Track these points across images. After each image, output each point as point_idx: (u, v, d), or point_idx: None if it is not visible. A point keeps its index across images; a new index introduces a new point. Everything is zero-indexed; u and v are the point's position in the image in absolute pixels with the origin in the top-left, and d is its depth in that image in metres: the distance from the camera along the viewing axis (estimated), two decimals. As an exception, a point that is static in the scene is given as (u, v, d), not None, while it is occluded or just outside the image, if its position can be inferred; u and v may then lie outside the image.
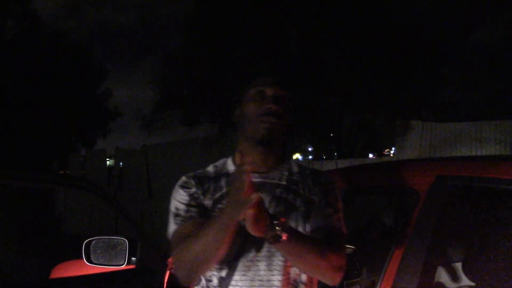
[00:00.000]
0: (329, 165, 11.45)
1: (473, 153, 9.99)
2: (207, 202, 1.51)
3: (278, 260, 1.43)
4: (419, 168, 2.04)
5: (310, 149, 26.42)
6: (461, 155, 9.74)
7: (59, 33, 19.81)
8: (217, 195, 1.52)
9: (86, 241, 2.08)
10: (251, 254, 1.42)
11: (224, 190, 1.51)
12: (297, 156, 22.89)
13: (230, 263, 1.43)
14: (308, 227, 1.49)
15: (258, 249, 1.43)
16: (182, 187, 1.56)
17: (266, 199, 1.43)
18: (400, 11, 14.31)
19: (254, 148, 1.51)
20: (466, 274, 2.20)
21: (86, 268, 2.21)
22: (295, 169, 1.60)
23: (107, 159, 13.73)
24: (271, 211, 1.36)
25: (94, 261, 2.08)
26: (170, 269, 2.38)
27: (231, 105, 1.59)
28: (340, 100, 15.05)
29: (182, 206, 1.52)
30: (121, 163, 12.16)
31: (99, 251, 2.08)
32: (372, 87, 13.62)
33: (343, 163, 11.01)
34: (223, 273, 1.45)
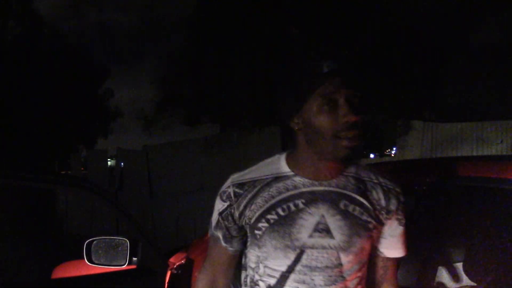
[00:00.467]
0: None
1: (475, 153, 9.98)
2: (247, 219, 1.32)
3: (336, 275, 1.27)
4: (421, 168, 2.04)
5: (311, 149, 26.38)
6: (462, 155, 9.73)
7: (61, 33, 19.83)
8: (265, 206, 1.30)
9: (87, 241, 2.09)
10: (306, 269, 1.26)
11: (275, 199, 1.29)
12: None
13: (282, 272, 1.28)
14: (371, 249, 1.35)
15: (316, 263, 1.26)
16: (220, 195, 1.38)
17: (328, 213, 1.26)
18: (401, 11, 14.30)
19: (325, 161, 1.28)
20: (467, 274, 2.20)
21: (87, 268, 2.21)
22: (362, 175, 1.35)
23: (108, 160, 13.73)
24: (335, 226, 1.25)
25: (95, 261, 2.08)
26: (171, 270, 2.38)
27: (283, 108, 1.33)
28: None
29: (215, 216, 1.39)
30: (122, 164, 12.16)
31: (100, 252, 2.08)
32: (373, 87, 13.62)
33: (344, 163, 10.98)
34: (272, 281, 1.30)
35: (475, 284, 2.16)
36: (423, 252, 1.76)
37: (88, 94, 19.61)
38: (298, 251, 1.25)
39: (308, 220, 1.25)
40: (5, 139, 15.84)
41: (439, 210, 1.79)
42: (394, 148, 14.08)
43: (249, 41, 12.94)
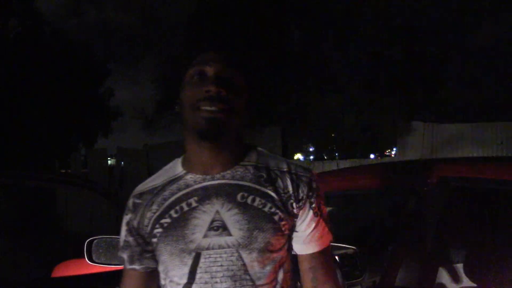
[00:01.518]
0: (330, 166, 11.46)
1: (475, 155, 10.00)
2: (145, 228, 1.20)
3: (243, 280, 1.13)
4: (421, 169, 2.05)
5: (311, 149, 26.46)
6: (462, 156, 9.74)
7: (61, 32, 19.84)
8: (159, 211, 1.18)
9: (88, 240, 2.09)
10: (207, 275, 1.13)
11: (168, 201, 1.19)
12: (298, 156, 22.89)
13: (184, 284, 1.15)
14: (285, 245, 1.18)
15: (216, 267, 1.13)
16: (126, 209, 1.26)
17: (224, 207, 1.14)
18: (402, 12, 14.32)
19: (200, 144, 1.17)
20: (467, 275, 2.21)
21: (88, 267, 2.22)
22: (266, 163, 1.22)
23: (108, 158, 13.74)
24: (232, 221, 1.13)
25: (96, 260, 2.08)
26: None
27: (173, 92, 1.28)
28: (342, 100, 15.06)
29: (121, 236, 1.26)
30: (122, 163, 12.17)
31: (101, 250, 2.08)
32: (373, 88, 13.63)
33: (344, 164, 11.01)
34: None
35: (475, 285, 2.16)
36: (423, 253, 1.76)
37: (88, 93, 19.62)
38: (194, 254, 1.13)
39: (202, 219, 1.14)
40: (5, 137, 15.85)
41: (440, 211, 1.79)
42: (394, 149, 14.10)
43: (249, 40, 12.94)
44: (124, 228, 1.25)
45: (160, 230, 1.17)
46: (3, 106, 15.92)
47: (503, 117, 11.11)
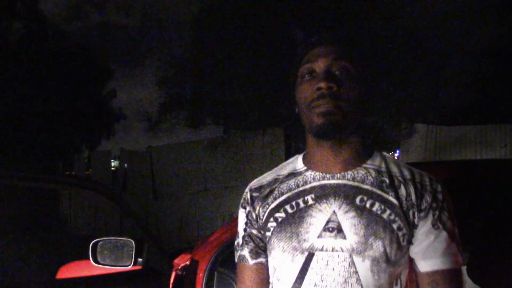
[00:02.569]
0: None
1: (478, 157, 9.97)
2: (260, 221, 1.20)
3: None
4: (424, 171, 2.05)
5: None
6: (466, 158, 9.72)
7: (65, 34, 19.90)
8: (274, 203, 1.18)
9: (93, 241, 2.10)
10: (317, 277, 1.08)
11: (285, 196, 1.17)
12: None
13: (291, 285, 1.11)
14: (402, 258, 1.10)
15: (327, 271, 1.08)
16: (241, 205, 1.26)
17: (341, 209, 1.10)
18: (404, 14, 14.31)
19: (319, 144, 1.15)
20: (470, 277, 2.21)
21: (92, 268, 2.23)
22: (389, 168, 1.17)
23: (112, 160, 13.77)
24: (348, 224, 1.08)
25: (101, 262, 2.09)
26: (176, 271, 2.39)
27: (291, 97, 1.22)
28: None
29: (240, 232, 1.26)
30: (126, 165, 12.20)
31: (105, 252, 2.09)
32: (376, 90, 13.62)
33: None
34: None
35: (479, 288, 2.16)
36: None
37: (91, 95, 19.66)
38: (306, 254, 1.09)
39: (318, 218, 1.10)
40: (9, 139, 15.90)
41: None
42: (398, 151, 14.08)
43: (253, 43, 12.96)
44: (242, 222, 1.25)
45: (274, 224, 1.15)
46: (7, 107, 15.96)
47: (508, 119, 11.07)
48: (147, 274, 2.34)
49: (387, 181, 1.13)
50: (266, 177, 1.25)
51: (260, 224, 1.19)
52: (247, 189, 1.25)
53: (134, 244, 2.10)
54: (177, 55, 15.53)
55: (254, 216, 1.21)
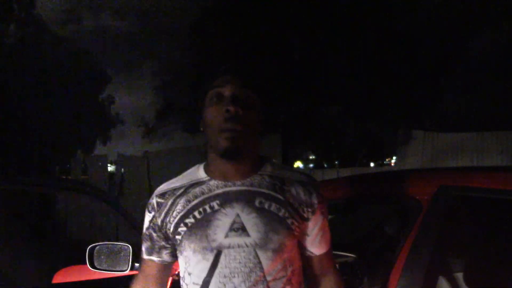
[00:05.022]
0: (330, 174, 11.47)
1: (475, 163, 9.99)
2: (169, 225, 1.34)
3: (258, 276, 1.25)
4: (421, 177, 2.06)
5: (312, 157, 26.44)
6: (462, 165, 9.74)
7: (62, 39, 19.90)
8: (183, 210, 1.32)
9: (90, 246, 2.10)
10: (226, 270, 1.25)
11: (192, 203, 1.32)
12: (298, 164, 22.88)
13: (203, 278, 1.28)
14: (295, 246, 1.34)
15: (235, 264, 1.26)
16: (147, 207, 1.41)
17: (243, 211, 1.27)
18: (402, 21, 14.37)
19: (221, 160, 1.30)
20: (467, 284, 2.21)
21: (89, 273, 2.22)
22: (278, 173, 1.37)
23: (108, 165, 13.75)
24: (250, 224, 1.26)
25: (98, 267, 2.09)
26: (172, 276, 2.39)
27: (197, 112, 1.40)
28: (342, 108, 15.08)
29: (144, 232, 1.43)
30: (122, 169, 12.18)
31: (102, 257, 2.09)
32: (374, 96, 13.66)
33: (344, 172, 11.02)
34: None
35: (475, 294, 2.16)
36: (423, 261, 1.76)
37: (89, 100, 19.66)
38: (215, 252, 1.26)
39: (224, 220, 1.27)
40: (6, 143, 15.85)
41: (440, 220, 1.80)
42: (395, 157, 14.10)
43: (250, 49, 12.98)
44: (146, 224, 1.41)
45: (184, 228, 1.30)
46: (3, 112, 15.93)
47: (504, 126, 11.11)
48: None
49: (279, 184, 1.33)
50: (170, 184, 1.40)
51: (165, 230, 1.35)
52: (153, 195, 1.40)
53: (131, 249, 2.11)
54: (174, 61, 15.57)
55: (158, 222, 1.36)
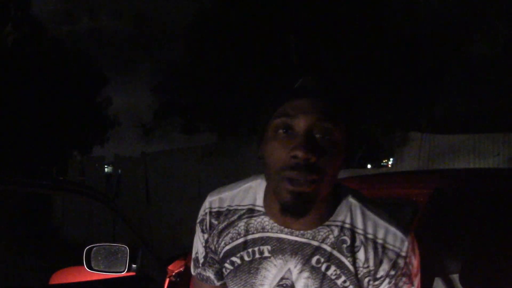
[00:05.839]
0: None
1: (471, 166, 10.01)
2: (218, 255, 1.15)
3: None
4: (418, 179, 2.07)
5: (308, 158, 26.43)
6: (459, 167, 9.76)
7: (59, 40, 19.88)
8: (231, 244, 1.11)
9: (87, 247, 2.10)
10: None
11: (241, 238, 1.10)
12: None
13: None
14: None
15: None
16: (200, 223, 1.18)
17: (296, 268, 1.05)
18: (399, 22, 14.39)
19: (282, 211, 1.00)
20: (463, 285, 2.22)
21: (86, 274, 2.23)
22: (353, 223, 1.06)
23: (106, 166, 13.74)
24: (301, 284, 1.04)
25: (95, 268, 2.09)
26: (169, 277, 2.39)
27: (257, 134, 1.09)
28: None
29: (200, 251, 1.19)
30: (119, 170, 12.17)
31: (100, 258, 2.10)
32: (370, 98, 13.67)
33: (341, 174, 11.01)
34: None
35: (471, 295, 2.17)
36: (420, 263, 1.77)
37: (86, 101, 19.63)
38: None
39: (272, 272, 1.06)
40: (3, 144, 15.82)
41: (436, 221, 1.81)
42: (391, 159, 14.12)
43: (248, 50, 13.00)
44: (202, 245, 1.18)
45: (230, 267, 1.11)
46: (1, 113, 15.91)
47: (501, 128, 11.14)
48: (141, 281, 2.34)
49: (348, 241, 1.04)
50: (226, 199, 1.14)
51: (218, 258, 1.15)
52: (206, 209, 1.16)
53: (128, 250, 2.11)
54: (172, 62, 15.57)
55: (212, 248, 1.15)
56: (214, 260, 1.16)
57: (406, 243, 1.04)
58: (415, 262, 1.06)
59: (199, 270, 1.20)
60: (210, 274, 1.18)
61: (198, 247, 1.18)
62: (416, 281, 1.08)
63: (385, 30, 13.66)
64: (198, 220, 1.17)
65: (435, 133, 11.31)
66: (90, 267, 2.09)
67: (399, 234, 1.05)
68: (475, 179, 1.85)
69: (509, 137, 10.16)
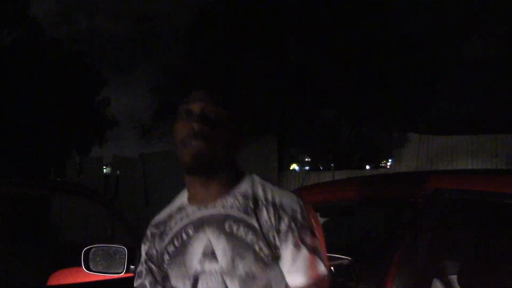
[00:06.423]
0: (326, 176, 11.48)
1: (469, 166, 10.03)
2: (159, 255, 1.33)
3: None
4: (416, 180, 2.07)
5: (307, 159, 26.47)
6: (457, 168, 9.78)
7: (57, 41, 19.86)
8: (167, 239, 1.31)
9: (85, 248, 2.10)
10: None
11: (173, 231, 1.30)
12: (293, 166, 22.89)
13: None
14: (270, 275, 1.21)
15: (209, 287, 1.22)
16: (142, 240, 1.39)
17: (214, 236, 1.22)
18: (397, 24, 14.42)
19: (191, 180, 1.28)
20: (461, 286, 2.22)
21: (84, 275, 2.22)
22: (255, 192, 1.26)
23: (104, 167, 13.73)
24: (219, 249, 1.21)
25: (93, 269, 2.09)
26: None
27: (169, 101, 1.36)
28: (338, 111, 15.11)
29: (142, 263, 1.38)
30: (118, 171, 12.16)
31: (98, 259, 2.09)
32: (369, 99, 13.69)
33: (340, 175, 11.04)
34: None
35: (469, 297, 2.17)
36: (417, 264, 1.77)
37: (85, 102, 19.61)
38: (192, 279, 1.23)
39: (197, 247, 1.24)
40: (1, 145, 15.80)
41: (434, 222, 1.81)
42: (390, 160, 14.13)
43: (247, 51, 12.99)
44: (144, 256, 1.37)
45: (167, 257, 1.29)
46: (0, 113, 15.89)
47: (498, 129, 11.16)
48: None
49: (252, 205, 1.23)
50: (163, 213, 1.37)
51: (159, 259, 1.32)
52: (149, 225, 1.38)
53: (126, 251, 2.10)
54: (171, 63, 15.57)
55: (154, 252, 1.34)
56: (151, 269, 1.34)
57: (300, 202, 1.24)
58: (310, 217, 1.24)
59: (139, 280, 1.37)
60: (146, 282, 1.35)
61: (142, 261, 1.38)
62: (318, 233, 1.25)
63: (383, 32, 13.67)
64: (142, 238, 1.39)
65: (433, 134, 11.34)
66: (88, 268, 2.09)
67: (293, 196, 1.26)
68: (474, 180, 1.85)
69: (508, 138, 10.19)
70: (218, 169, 1.25)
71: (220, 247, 1.21)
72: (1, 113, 15.92)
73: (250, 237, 1.20)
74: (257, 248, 1.20)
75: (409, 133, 11.43)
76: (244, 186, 1.28)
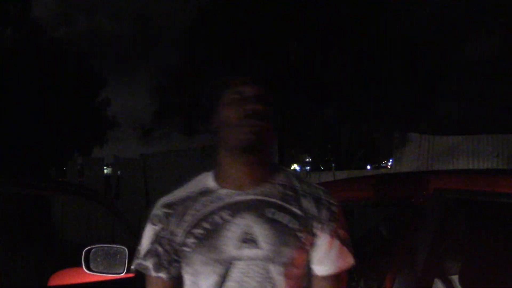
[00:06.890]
0: (327, 176, 11.48)
1: (470, 166, 10.02)
2: (177, 237, 1.27)
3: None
4: (417, 180, 2.06)
5: (308, 159, 26.47)
6: (458, 168, 9.77)
7: (58, 41, 19.87)
8: (192, 221, 1.26)
9: (86, 249, 2.10)
10: (236, 284, 1.21)
11: (200, 213, 1.26)
12: (294, 166, 22.90)
13: None
14: (305, 262, 1.27)
15: (245, 277, 1.22)
16: (151, 219, 1.33)
17: (255, 222, 1.22)
18: (398, 26, 14.41)
19: (238, 159, 1.25)
20: (462, 286, 2.22)
21: (84, 276, 2.22)
22: (292, 183, 1.31)
23: (105, 168, 13.72)
24: (262, 236, 1.21)
25: (94, 269, 2.09)
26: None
27: (204, 113, 1.37)
28: (339, 111, 15.11)
29: (144, 244, 1.33)
30: (119, 172, 12.16)
31: (98, 259, 2.09)
32: (370, 100, 13.69)
33: (341, 175, 11.04)
34: None
35: (470, 297, 2.17)
36: (418, 264, 1.77)
37: (85, 103, 19.62)
38: (226, 264, 1.21)
39: (234, 232, 1.22)
40: (2, 146, 15.81)
41: (435, 223, 1.81)
42: (391, 160, 14.13)
43: (247, 52, 13.00)
44: (150, 237, 1.32)
45: (193, 240, 1.25)
46: (0, 114, 15.89)
47: (499, 129, 11.15)
48: (140, 282, 2.33)
49: (292, 194, 1.28)
50: (176, 194, 1.34)
51: (175, 242, 1.28)
52: (158, 205, 1.33)
53: (127, 252, 2.10)
54: (171, 63, 15.57)
55: (166, 234, 1.29)
56: (158, 251, 1.29)
57: (332, 197, 1.32)
58: (342, 214, 1.33)
59: (138, 260, 1.34)
60: (148, 264, 1.31)
61: (143, 242, 1.33)
62: (346, 229, 1.33)
63: (385, 33, 13.67)
64: (149, 217, 1.33)
65: (434, 134, 11.33)
66: (89, 269, 2.09)
67: (326, 190, 1.33)
68: (475, 181, 1.85)
69: (508, 138, 10.18)
70: (264, 154, 1.27)
71: (263, 234, 1.22)
72: (2, 114, 15.93)
73: (293, 224, 1.24)
74: (300, 235, 1.24)
75: (410, 133, 11.42)
76: (281, 176, 1.31)
